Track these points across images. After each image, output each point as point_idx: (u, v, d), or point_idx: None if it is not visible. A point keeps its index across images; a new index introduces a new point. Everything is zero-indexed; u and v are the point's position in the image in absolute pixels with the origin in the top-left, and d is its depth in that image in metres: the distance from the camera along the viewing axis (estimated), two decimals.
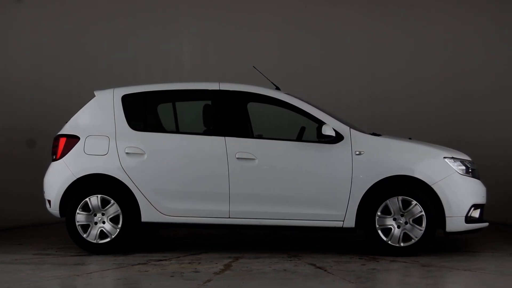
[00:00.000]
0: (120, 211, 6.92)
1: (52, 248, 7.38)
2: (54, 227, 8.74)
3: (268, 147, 6.91)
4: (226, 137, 6.91)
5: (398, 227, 6.70)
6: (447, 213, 6.65)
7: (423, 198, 6.65)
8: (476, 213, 6.82)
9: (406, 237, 6.68)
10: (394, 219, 6.72)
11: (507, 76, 9.81)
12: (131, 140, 7.00)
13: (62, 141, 7.14)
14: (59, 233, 8.15)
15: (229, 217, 6.84)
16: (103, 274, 6.01)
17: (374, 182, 6.69)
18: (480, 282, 5.73)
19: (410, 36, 10.15)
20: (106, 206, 6.95)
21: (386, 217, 6.72)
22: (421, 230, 6.65)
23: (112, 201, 6.93)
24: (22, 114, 9.45)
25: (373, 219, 6.71)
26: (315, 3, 10.30)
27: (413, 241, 6.67)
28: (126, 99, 7.21)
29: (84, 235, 6.95)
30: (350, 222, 6.73)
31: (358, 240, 7.82)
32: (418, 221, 6.67)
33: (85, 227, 6.96)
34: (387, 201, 6.70)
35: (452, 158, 6.83)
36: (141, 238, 7.98)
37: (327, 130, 6.73)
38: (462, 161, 6.88)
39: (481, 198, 6.91)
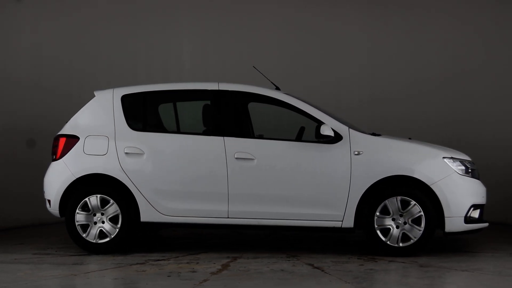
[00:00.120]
0: (119, 211, 6.93)
1: (52, 248, 7.40)
2: (54, 227, 8.76)
3: (267, 147, 6.92)
4: (225, 137, 6.92)
5: (397, 227, 6.69)
6: (446, 213, 6.63)
7: (422, 198, 6.64)
8: (475, 213, 6.81)
9: (405, 237, 6.67)
10: (393, 219, 6.71)
11: (507, 76, 9.79)
12: (130, 140, 7.01)
13: (62, 141, 7.15)
14: (59, 233, 8.17)
15: (228, 217, 6.84)
16: (101, 274, 6.02)
17: (373, 182, 6.68)
18: (477, 283, 5.71)
19: (410, 36, 10.15)
20: (105, 206, 6.97)
21: (385, 217, 6.71)
22: (420, 230, 6.64)
23: (112, 201, 6.95)
24: (22, 114, 9.47)
25: (372, 219, 6.70)
26: (315, 3, 10.31)
27: (412, 241, 6.66)
28: (125, 99, 7.22)
29: (84, 235, 6.97)
30: (349, 222, 6.72)
31: (358, 240, 7.81)
32: (417, 221, 6.65)
33: (85, 227, 6.98)
34: (386, 201, 6.69)
35: (452, 158, 6.81)
36: (141, 238, 7.99)
37: (326, 130, 6.73)
38: (462, 161, 6.87)
39: (480, 198, 6.89)
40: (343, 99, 10.07)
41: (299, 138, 7.18)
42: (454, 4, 10.06)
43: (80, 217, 6.98)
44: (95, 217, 6.98)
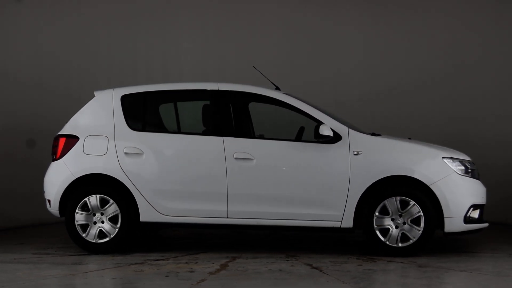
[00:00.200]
0: (119, 211, 6.94)
1: (52, 248, 7.41)
2: (55, 227, 8.77)
3: (266, 147, 6.91)
4: (224, 137, 6.92)
5: (396, 227, 6.68)
6: (445, 214, 6.62)
7: (422, 198, 6.63)
8: (475, 214, 6.79)
9: (404, 237, 6.66)
10: (392, 220, 6.70)
11: (508, 75, 9.78)
12: (129, 140, 7.02)
13: (62, 141, 7.17)
14: (59, 233, 8.18)
15: (227, 217, 6.85)
16: (99, 274, 6.03)
17: (372, 182, 6.67)
18: (475, 283, 5.70)
19: (410, 34, 10.14)
20: (105, 206, 6.98)
21: (384, 218, 6.70)
22: (419, 230, 6.63)
23: (111, 201, 6.96)
24: (22, 114, 9.49)
25: (371, 219, 6.69)
26: (314, 2, 10.31)
27: (411, 241, 6.65)
28: (125, 99, 7.23)
29: (83, 235, 6.98)
30: (348, 222, 6.71)
31: (358, 240, 7.80)
32: (416, 221, 6.64)
33: (84, 227, 6.99)
34: (385, 201, 6.68)
35: (451, 158, 6.80)
36: (141, 238, 7.99)
37: (325, 130, 6.72)
38: (461, 161, 6.85)
39: (480, 199, 6.87)
40: (343, 96, 10.07)
41: (298, 138, 7.18)
42: (454, 3, 10.04)
43: (79, 217, 6.99)
44: (94, 217, 6.99)
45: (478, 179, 6.95)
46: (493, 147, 9.60)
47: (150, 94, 7.33)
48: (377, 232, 6.69)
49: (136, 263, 6.43)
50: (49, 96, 9.64)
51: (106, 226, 6.96)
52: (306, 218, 6.76)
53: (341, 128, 6.82)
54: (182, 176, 6.91)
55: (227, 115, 7.10)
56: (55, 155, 7.16)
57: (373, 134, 7.03)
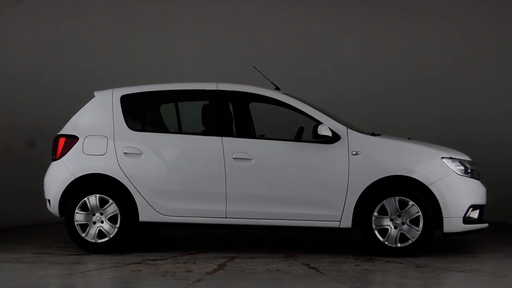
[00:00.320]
0: (118, 210, 6.95)
1: (52, 248, 7.42)
2: (55, 226, 8.78)
3: (264, 147, 6.91)
4: (223, 137, 6.92)
5: (395, 227, 6.66)
6: (444, 214, 6.59)
7: (420, 198, 6.60)
8: (474, 214, 6.75)
9: (403, 237, 6.64)
10: (391, 220, 6.68)
11: (508, 74, 9.74)
12: (129, 140, 7.03)
13: (62, 141, 7.19)
14: (60, 233, 8.19)
15: (226, 217, 6.84)
16: (96, 273, 6.04)
17: (371, 182, 6.65)
18: (471, 283, 5.68)
19: (410, 32, 10.13)
20: (104, 206, 6.99)
21: (383, 218, 6.68)
22: (418, 230, 6.61)
23: (111, 201, 6.97)
24: (22, 114, 9.51)
25: (370, 220, 6.67)
26: (315, 2, 10.31)
27: (410, 241, 6.62)
28: (125, 99, 7.24)
29: (83, 235, 6.99)
30: (347, 223, 6.69)
31: (358, 240, 7.77)
32: (415, 221, 6.62)
33: (84, 227, 7.00)
34: (384, 201, 6.66)
35: (450, 158, 6.77)
36: (141, 238, 8.01)
37: (323, 130, 6.71)
38: (461, 161, 6.82)
39: (480, 199, 6.84)
40: (343, 95, 10.07)
41: (298, 138, 7.18)
42: (451, 4, 10.02)
43: (79, 216, 7.01)
44: (94, 217, 7.00)
45: (478, 179, 6.92)
46: (493, 146, 9.57)
47: (150, 94, 7.34)
48: (376, 232, 6.67)
49: (134, 263, 6.44)
50: (49, 96, 9.67)
51: (106, 226, 6.98)
52: (305, 218, 6.75)
53: (340, 128, 6.81)
54: (181, 176, 6.91)
55: (226, 115, 7.10)
56: (55, 155, 7.18)
57: (373, 134, 7.01)
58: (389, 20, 10.21)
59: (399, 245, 6.64)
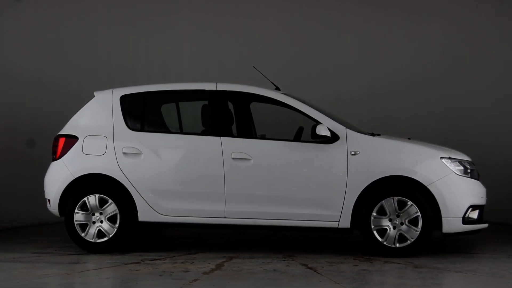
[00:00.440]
0: (117, 210, 6.97)
1: (53, 247, 7.45)
2: (57, 226, 8.79)
3: (263, 147, 6.92)
4: (222, 137, 6.92)
5: (394, 227, 6.66)
6: (443, 214, 6.58)
7: (419, 198, 6.60)
8: (474, 214, 6.74)
9: (402, 238, 6.63)
10: (390, 220, 6.68)
11: (508, 73, 9.72)
12: (128, 140, 7.05)
13: (62, 141, 7.22)
14: (61, 233, 8.19)
15: (224, 217, 6.85)
16: (95, 273, 6.05)
17: (369, 183, 6.65)
18: (468, 284, 5.68)
19: (410, 32, 10.13)
20: (104, 206, 7.01)
21: (382, 218, 6.67)
22: (417, 231, 6.60)
23: (110, 201, 6.99)
24: (23, 114, 9.52)
25: (369, 220, 6.67)
26: (314, 2, 10.31)
27: (409, 242, 6.62)
28: (124, 100, 7.26)
29: (83, 234, 7.02)
30: (346, 223, 6.69)
31: (358, 240, 7.76)
32: (414, 222, 6.61)
33: (84, 226, 7.02)
34: (383, 201, 6.66)
35: (449, 158, 6.76)
36: (141, 237, 8.02)
37: (322, 130, 6.71)
38: (460, 161, 6.81)
39: (479, 199, 6.82)
40: (343, 94, 10.08)
41: (298, 138, 7.18)
42: (451, 4, 10.01)
43: (79, 216, 7.02)
44: (93, 217, 7.02)
45: (477, 179, 6.91)
46: (493, 146, 9.57)
47: (149, 94, 7.35)
48: (375, 232, 6.67)
49: (132, 263, 6.45)
50: (49, 96, 9.68)
51: (105, 225, 6.99)
52: (304, 218, 6.75)
53: (339, 128, 6.81)
54: (180, 176, 6.92)
55: (225, 115, 7.10)
56: (55, 155, 7.21)
57: (373, 134, 7.01)
58: (389, 20, 10.21)
59: (398, 245, 6.64)
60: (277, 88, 7.44)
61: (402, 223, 6.64)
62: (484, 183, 6.97)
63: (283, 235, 8.35)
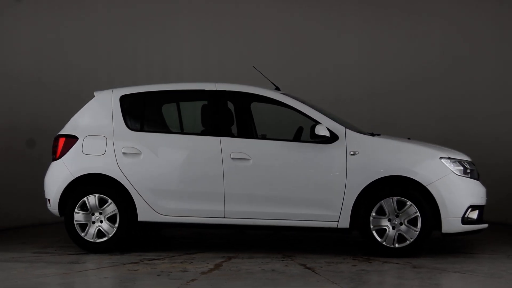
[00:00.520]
0: (117, 210, 6.98)
1: (53, 247, 7.46)
2: (57, 226, 8.81)
3: (262, 147, 6.92)
4: (221, 137, 6.93)
5: (393, 228, 6.65)
6: (443, 214, 6.57)
7: (418, 198, 6.59)
8: (473, 214, 6.73)
9: (401, 238, 6.63)
10: (389, 220, 6.67)
11: (508, 73, 9.71)
12: (128, 140, 7.06)
13: (62, 141, 7.23)
14: (61, 233, 8.20)
15: (224, 217, 6.85)
16: (93, 273, 6.06)
17: (369, 183, 6.64)
18: (465, 284, 5.68)
19: (411, 32, 10.13)
20: (103, 206, 7.02)
21: (381, 218, 6.67)
22: (416, 231, 6.60)
23: (110, 201, 7.00)
24: (23, 114, 9.54)
25: (368, 220, 6.67)
26: (314, 2, 10.31)
27: (408, 242, 6.61)
28: (124, 100, 7.27)
29: (82, 234, 7.03)
30: (345, 223, 6.69)
31: (358, 240, 7.75)
32: (413, 222, 6.61)
33: (83, 226, 7.04)
34: (382, 201, 6.65)
35: (449, 158, 6.75)
36: (142, 237, 8.03)
37: (321, 130, 6.71)
38: (460, 161, 6.80)
39: (479, 199, 6.81)
40: (343, 94, 10.08)
41: (297, 138, 7.18)
42: (451, 4, 10.00)
43: (78, 216, 7.04)
44: (93, 217, 7.04)
45: (477, 179, 6.90)
46: (493, 146, 9.56)
47: (149, 94, 7.37)
48: (374, 232, 6.67)
49: (131, 263, 6.46)
50: (49, 96, 9.70)
51: (105, 225, 7.00)
52: (303, 218, 6.75)
53: (338, 128, 6.81)
54: (179, 176, 6.93)
55: (224, 115, 7.11)
56: (55, 155, 7.22)
57: (372, 134, 7.00)
58: (389, 20, 10.20)
59: (397, 245, 6.63)
60: (277, 88, 7.44)
61: (401, 223, 6.64)
62: (484, 183, 6.96)
63: (283, 235, 8.35)
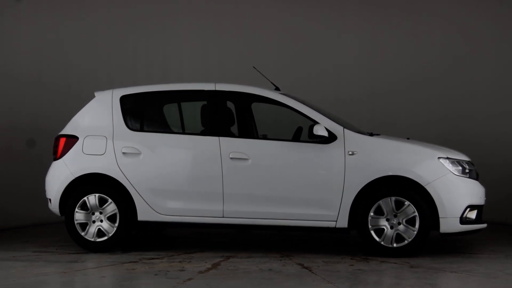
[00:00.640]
0: (117, 210, 7.01)
1: (53, 246, 7.49)
2: (58, 226, 8.84)
3: (261, 147, 6.94)
4: (220, 137, 6.95)
5: (391, 227, 6.66)
6: (441, 214, 6.58)
7: (417, 198, 6.60)
8: (472, 214, 6.73)
9: (399, 238, 6.63)
10: (387, 220, 6.68)
11: (508, 73, 9.71)
12: (127, 140, 7.09)
13: (62, 141, 7.27)
14: (62, 232, 8.23)
15: (223, 217, 6.88)
16: (91, 272, 6.10)
17: (367, 182, 6.65)
18: (461, 284, 5.68)
19: (410, 32, 10.13)
20: (103, 205, 7.05)
21: (379, 218, 6.68)
22: (414, 231, 6.60)
23: (110, 200, 7.03)
24: (23, 114, 9.56)
25: (366, 220, 6.67)
26: (314, 2, 10.32)
27: (406, 242, 6.62)
28: (124, 100, 7.31)
29: (83, 234, 7.06)
30: (343, 223, 6.70)
31: (358, 240, 7.73)
32: (411, 221, 6.61)
33: (84, 226, 7.07)
34: (380, 201, 6.66)
35: (447, 158, 6.75)
36: (142, 237, 8.05)
37: (319, 130, 6.72)
38: (459, 161, 6.80)
39: (478, 199, 6.81)
40: (343, 94, 10.09)
41: (297, 138, 7.20)
42: (451, 4, 10.00)
43: (79, 215, 7.07)
44: (93, 216, 7.07)
45: (476, 179, 6.90)
46: (493, 146, 9.55)
47: (149, 94, 7.39)
48: (372, 232, 6.67)
49: (130, 262, 6.48)
50: (49, 96, 9.72)
51: (105, 225, 7.04)
52: (301, 218, 6.77)
53: (337, 128, 6.82)
54: (178, 175, 6.95)
55: (224, 115, 7.13)
56: (56, 155, 7.26)
57: (371, 134, 7.01)
58: (389, 20, 10.21)
59: (395, 245, 6.64)
60: (277, 88, 7.46)
61: (399, 223, 6.65)
62: (484, 183, 6.96)
63: (283, 234, 8.36)
